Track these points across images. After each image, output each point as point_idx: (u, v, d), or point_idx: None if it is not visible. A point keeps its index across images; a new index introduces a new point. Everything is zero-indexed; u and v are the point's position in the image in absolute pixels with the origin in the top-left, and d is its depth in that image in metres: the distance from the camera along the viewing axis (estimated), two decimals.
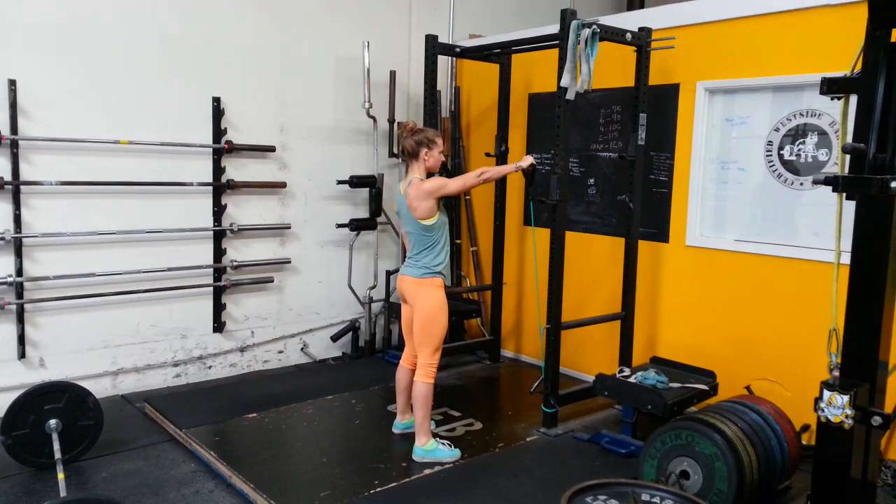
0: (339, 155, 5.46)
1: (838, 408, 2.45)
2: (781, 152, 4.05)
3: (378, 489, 3.27)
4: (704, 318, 4.37)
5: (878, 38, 2.43)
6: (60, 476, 3.05)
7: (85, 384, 3.70)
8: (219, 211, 4.86)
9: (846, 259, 2.59)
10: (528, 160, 3.77)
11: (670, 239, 4.53)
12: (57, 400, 3.42)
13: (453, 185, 3.55)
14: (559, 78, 3.80)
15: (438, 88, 5.08)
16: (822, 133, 3.88)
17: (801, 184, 3.98)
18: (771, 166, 4.10)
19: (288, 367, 5.33)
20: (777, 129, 4.06)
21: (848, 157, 2.51)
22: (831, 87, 2.58)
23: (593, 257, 4.96)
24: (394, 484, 3.33)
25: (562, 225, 4.00)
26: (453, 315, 4.44)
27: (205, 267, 4.85)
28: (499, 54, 5.11)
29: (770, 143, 4.09)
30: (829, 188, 2.51)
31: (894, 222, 2.46)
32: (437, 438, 3.69)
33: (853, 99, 2.55)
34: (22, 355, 4.20)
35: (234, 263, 4.94)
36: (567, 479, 3.21)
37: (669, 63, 4.39)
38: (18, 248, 4.11)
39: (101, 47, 4.33)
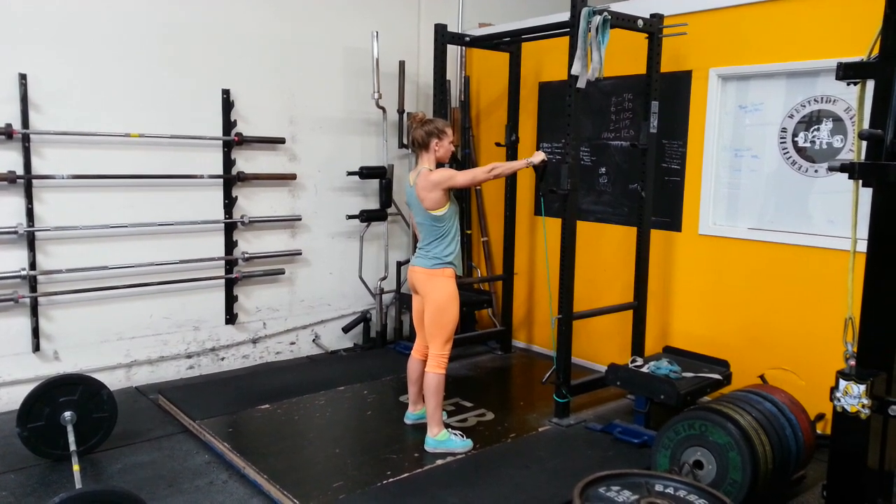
0: (348, 146, 5.45)
1: (854, 397, 2.43)
2: (795, 139, 4.00)
3: (390, 479, 3.28)
4: (718, 307, 4.34)
5: None
6: (76, 468, 3.07)
7: (99, 376, 3.74)
8: (230, 203, 4.87)
9: (862, 247, 2.56)
10: (539, 156, 3.73)
11: (683, 228, 4.50)
12: (71, 392, 3.44)
13: (461, 178, 3.53)
14: (570, 66, 3.77)
15: (448, 78, 5.05)
16: (837, 119, 3.83)
17: (816, 171, 3.93)
18: (785, 153, 4.05)
19: (300, 358, 5.34)
20: (791, 116, 4.01)
21: (864, 143, 2.48)
22: (847, 72, 2.54)
23: (605, 247, 4.93)
24: (406, 474, 3.34)
25: (573, 215, 3.97)
26: (464, 306, 4.43)
27: (216, 259, 4.87)
28: (508, 43, 5.08)
29: (784, 129, 4.04)
30: (845, 175, 2.48)
31: None
32: (449, 429, 3.69)
33: (870, 84, 2.50)
34: (36, 348, 4.23)
35: (246, 255, 4.95)
36: (579, 470, 3.20)
37: (682, 50, 4.35)
38: (31, 242, 4.14)
39: (110, 40, 4.33)
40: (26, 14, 4.03)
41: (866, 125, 2.48)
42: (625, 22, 3.98)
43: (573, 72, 3.76)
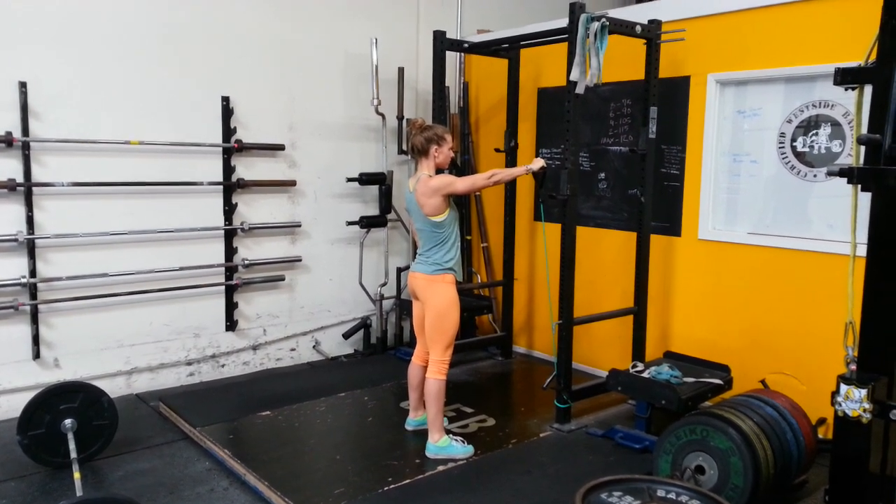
0: (348, 152, 5.46)
1: (856, 402, 2.43)
2: (794, 144, 4.01)
3: (391, 486, 3.27)
4: (718, 311, 4.34)
5: (893, 27, 2.40)
6: (76, 475, 3.07)
7: (99, 384, 3.73)
8: (229, 210, 4.87)
9: (862, 251, 2.57)
10: (538, 163, 3.73)
11: (682, 233, 4.50)
12: (72, 400, 3.43)
13: (461, 184, 3.53)
14: (568, 72, 3.78)
15: (447, 84, 5.06)
16: (836, 124, 3.84)
17: (815, 175, 3.94)
18: (784, 158, 4.06)
19: (300, 364, 5.34)
20: (790, 121, 4.02)
21: (863, 148, 2.48)
22: (845, 77, 2.55)
23: (605, 252, 4.93)
24: (407, 481, 3.33)
25: (573, 220, 3.98)
26: (465, 311, 4.44)
27: (216, 266, 4.87)
28: (507, 49, 5.09)
29: (783, 134, 4.05)
30: (844, 180, 2.49)
31: None
32: (450, 435, 3.69)
33: (868, 89, 2.51)
34: (37, 355, 4.23)
35: (246, 262, 4.96)
36: (581, 475, 3.20)
37: (680, 55, 4.36)
38: (31, 250, 4.14)
39: (110, 48, 4.34)
40: (26, 15, 4.04)
41: (864, 130, 2.48)
42: (623, 28, 3.99)
43: (572, 78, 3.77)
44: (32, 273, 4.15)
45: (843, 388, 2.45)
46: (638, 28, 4.08)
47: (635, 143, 4.41)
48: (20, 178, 4.07)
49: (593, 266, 4.94)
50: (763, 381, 3.82)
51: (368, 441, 3.83)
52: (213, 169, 4.80)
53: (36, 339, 4.21)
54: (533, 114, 5.38)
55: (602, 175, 4.96)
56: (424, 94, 5.73)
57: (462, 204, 5.67)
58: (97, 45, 4.30)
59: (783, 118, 4.04)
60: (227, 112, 4.80)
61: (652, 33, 4.19)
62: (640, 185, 4.37)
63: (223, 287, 4.93)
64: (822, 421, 3.52)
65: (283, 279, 5.17)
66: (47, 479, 3.38)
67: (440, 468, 3.48)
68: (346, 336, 5.53)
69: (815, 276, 3.88)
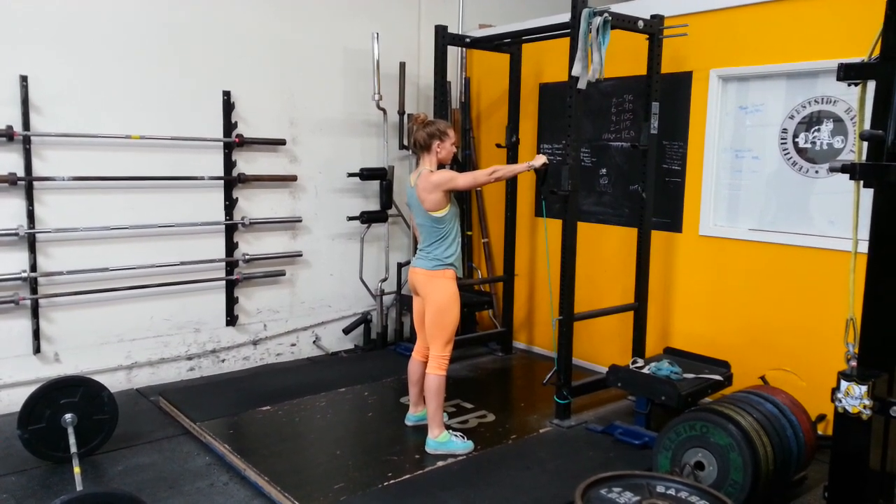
0: (349, 147, 5.45)
1: (856, 398, 2.42)
2: (796, 140, 4.00)
3: (391, 481, 3.28)
4: (718, 308, 4.34)
5: None
6: (76, 470, 3.07)
7: (99, 378, 3.72)
8: (230, 205, 4.87)
9: (863, 248, 2.56)
10: (540, 159, 3.72)
11: (683, 229, 4.50)
12: (72, 394, 3.44)
13: (462, 180, 3.53)
14: (570, 67, 3.77)
15: (448, 79, 5.05)
16: (838, 120, 3.83)
17: (817, 171, 3.93)
18: (785, 154, 4.05)
19: (301, 359, 5.34)
20: (791, 117, 4.01)
21: (865, 144, 2.48)
22: (848, 73, 2.54)
23: (606, 248, 4.93)
24: (407, 476, 3.34)
25: (574, 216, 3.97)
26: (465, 307, 4.43)
27: (217, 261, 4.87)
28: (509, 44, 5.08)
29: (784, 130, 4.04)
30: (845, 176, 2.48)
31: None
32: (450, 430, 3.69)
33: (871, 85, 2.50)
34: (37, 350, 4.23)
35: (246, 257, 4.96)
36: (581, 471, 3.20)
37: (682, 51, 4.35)
38: (32, 244, 4.14)
39: (111, 43, 4.33)
40: (26, 14, 4.03)
41: (867, 126, 2.48)
42: (625, 23, 3.98)
43: (574, 73, 3.76)
44: (33, 267, 4.15)
45: (844, 384, 2.45)
46: (640, 23, 4.07)
47: (637, 138, 4.39)
48: (21, 172, 4.06)
49: (594, 262, 4.94)
50: (763, 378, 3.82)
51: (368, 436, 3.83)
52: (213, 164, 4.79)
53: (36, 334, 4.21)
54: (534, 109, 5.37)
55: (603, 171, 4.95)
56: (426, 89, 5.72)
57: (463, 199, 5.66)
58: (97, 45, 4.29)
59: (785, 114, 4.03)
60: (228, 107, 4.79)
61: (654, 28, 4.18)
62: (642, 181, 4.36)
63: (224, 282, 4.93)
64: (821, 417, 3.51)
65: (283, 274, 5.17)
66: (47, 474, 3.38)
67: (440, 464, 3.48)
68: (347, 331, 5.53)
69: (817, 272, 3.88)
